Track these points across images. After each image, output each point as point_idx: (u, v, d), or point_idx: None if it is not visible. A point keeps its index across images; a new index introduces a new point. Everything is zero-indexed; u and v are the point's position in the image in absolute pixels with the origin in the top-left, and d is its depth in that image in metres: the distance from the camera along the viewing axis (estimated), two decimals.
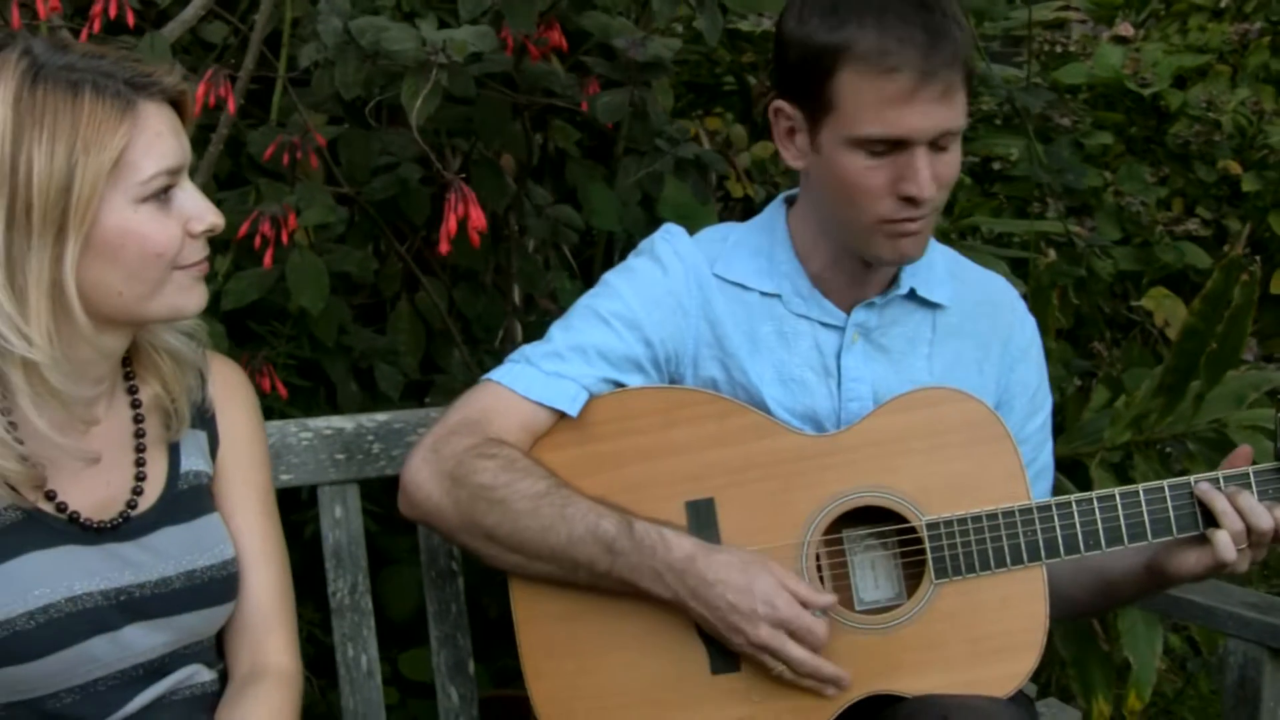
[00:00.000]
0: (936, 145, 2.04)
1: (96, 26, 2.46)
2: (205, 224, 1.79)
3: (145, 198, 1.74)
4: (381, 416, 2.44)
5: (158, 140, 1.74)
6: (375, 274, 3.12)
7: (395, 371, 3.01)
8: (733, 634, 2.01)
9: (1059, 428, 3.81)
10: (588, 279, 3.63)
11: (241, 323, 2.90)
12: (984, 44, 5.47)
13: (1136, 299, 5.04)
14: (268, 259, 2.51)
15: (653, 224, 3.49)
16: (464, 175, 2.41)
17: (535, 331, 3.41)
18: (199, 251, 1.81)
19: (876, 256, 2.13)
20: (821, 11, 2.02)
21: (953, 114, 2.03)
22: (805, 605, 2.01)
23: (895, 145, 2.02)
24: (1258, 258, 5.02)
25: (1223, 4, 5.64)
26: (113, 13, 2.47)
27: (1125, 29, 5.61)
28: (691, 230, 2.34)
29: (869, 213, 2.07)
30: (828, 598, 2.04)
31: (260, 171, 2.82)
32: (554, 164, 3.48)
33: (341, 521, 2.39)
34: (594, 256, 3.86)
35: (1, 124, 1.67)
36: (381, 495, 2.75)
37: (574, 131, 3.40)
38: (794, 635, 2.00)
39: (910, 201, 2.04)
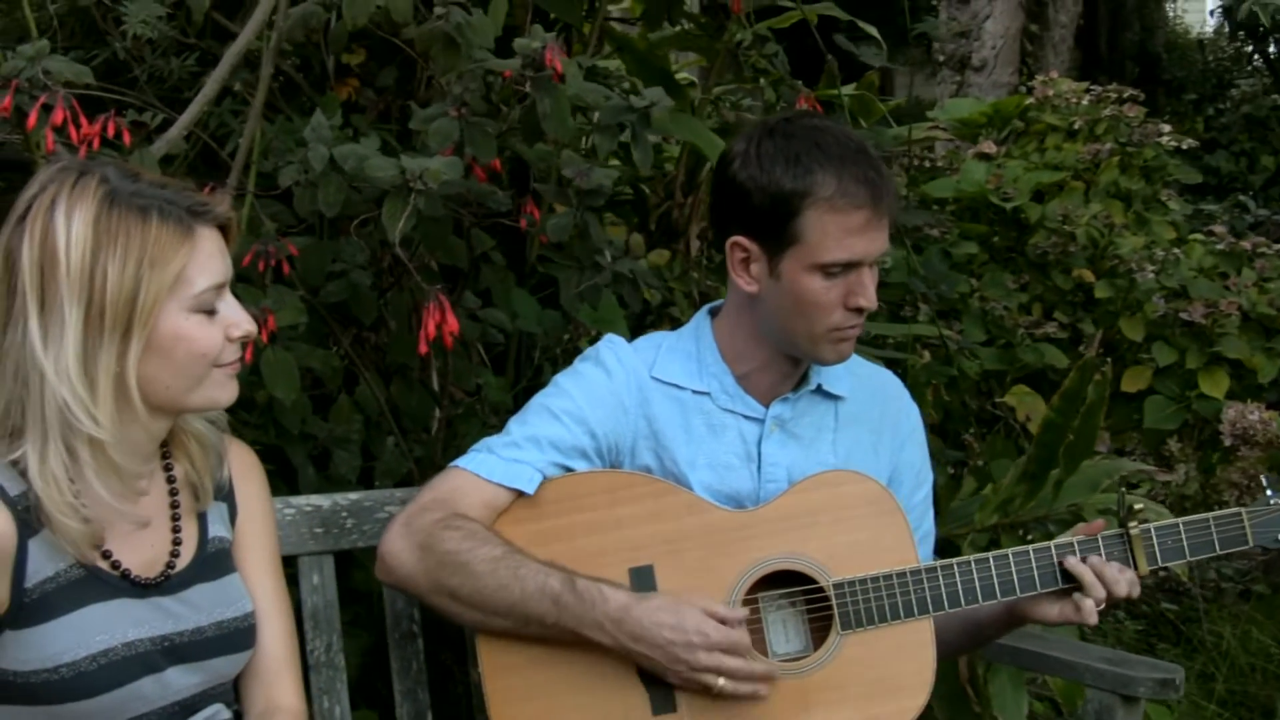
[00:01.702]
0: (872, 265, 2.45)
1: (96, 144, 2.72)
2: (241, 330, 2.10)
3: (196, 309, 2.04)
4: (353, 496, 2.73)
5: (209, 261, 2.04)
6: (330, 369, 3.41)
7: (352, 456, 3.31)
8: (675, 665, 2.33)
9: (936, 511, 4.16)
10: (501, 373, 3.95)
11: None
12: None
13: (1000, 395, 5.30)
14: (249, 354, 2.80)
15: (568, 326, 3.86)
16: (434, 285, 2.74)
17: (463, 422, 3.73)
18: (234, 353, 2.11)
19: (821, 359, 2.53)
20: (784, 163, 2.42)
21: (885, 239, 2.46)
22: (725, 623, 2.35)
23: (847, 267, 2.42)
24: (1109, 359, 5.33)
25: (1076, 125, 5.92)
26: (110, 133, 2.74)
27: (988, 147, 5.91)
28: (606, 331, 2.71)
29: (822, 324, 2.46)
30: (741, 612, 2.38)
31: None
32: (471, 272, 3.78)
33: (319, 588, 2.65)
34: (507, 352, 4.17)
35: (82, 240, 1.95)
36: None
37: (489, 239, 3.72)
38: (725, 651, 2.33)
39: (858, 311, 2.45)
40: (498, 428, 2.60)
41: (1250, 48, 13.54)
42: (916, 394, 4.09)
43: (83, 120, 2.56)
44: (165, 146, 2.94)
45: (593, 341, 3.03)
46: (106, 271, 1.97)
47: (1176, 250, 5.64)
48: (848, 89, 4.87)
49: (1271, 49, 12.97)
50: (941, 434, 5.02)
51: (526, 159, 3.10)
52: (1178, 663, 4.76)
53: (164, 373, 2.04)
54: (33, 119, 2.50)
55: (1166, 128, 5.93)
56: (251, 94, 3.32)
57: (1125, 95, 5.98)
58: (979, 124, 6.27)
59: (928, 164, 5.74)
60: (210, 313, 2.07)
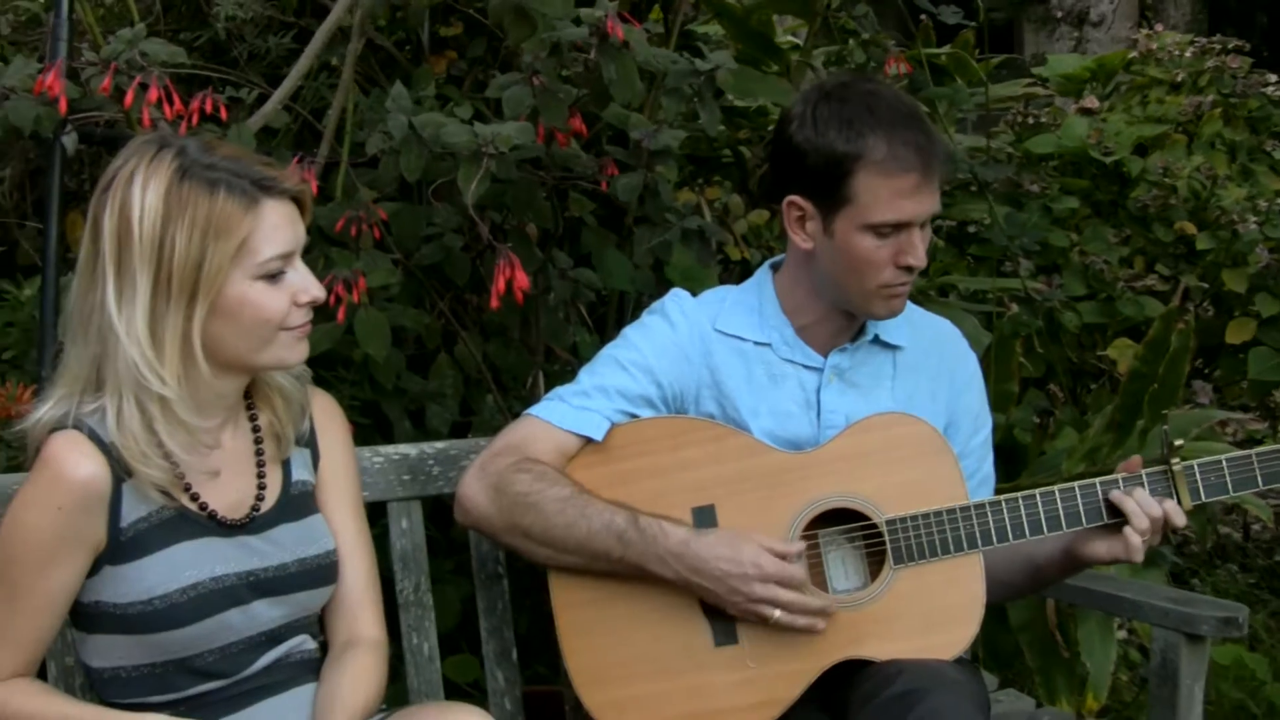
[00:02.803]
0: (923, 225, 2.55)
1: (195, 120, 2.87)
2: (309, 296, 2.24)
3: (260, 275, 2.18)
4: (440, 445, 2.90)
5: (274, 231, 2.18)
6: (424, 328, 3.58)
7: (444, 411, 3.47)
8: (733, 596, 2.46)
9: (1024, 460, 4.23)
10: (602, 333, 4.07)
11: (313, 370, 3.37)
12: (962, 117, 5.86)
13: (1102, 349, 5.33)
14: (340, 315, 2.96)
15: (661, 284, 3.96)
16: (509, 244, 2.89)
17: (557, 379, 3.84)
18: (303, 316, 2.25)
19: (873, 314, 2.66)
20: (838, 126, 2.54)
21: (937, 201, 2.58)
22: (782, 557, 2.48)
23: (897, 227, 2.53)
24: (1192, 308, 5.36)
25: (1179, 79, 5.89)
26: (209, 109, 2.89)
27: (1090, 102, 5.89)
28: (696, 289, 2.84)
29: (873, 280, 2.58)
30: (799, 545, 2.51)
31: (327, 241, 3.27)
32: (572, 233, 3.92)
33: (407, 531, 2.82)
34: (607, 313, 4.29)
35: (153, 211, 2.11)
36: (430, 521, 3.20)
37: (588, 203, 3.82)
38: (780, 584, 2.46)
39: (908, 270, 2.56)
40: None
41: None
42: (1005, 345, 4.19)
43: (175, 98, 2.72)
44: (261, 120, 3.12)
45: None
46: (175, 241, 2.12)
47: None
48: (945, 49, 4.94)
49: None
50: (1042, 387, 5.09)
51: (613, 123, 3.21)
52: None
53: (231, 335, 2.19)
54: (129, 98, 2.67)
55: (1273, 78, 5.87)
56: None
57: (1230, 46, 5.94)
58: (1083, 79, 6.26)
59: (1030, 120, 5.73)
60: (276, 280, 2.21)
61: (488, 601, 2.91)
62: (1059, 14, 9.54)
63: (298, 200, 2.25)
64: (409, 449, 2.87)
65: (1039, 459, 4.18)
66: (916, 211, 2.56)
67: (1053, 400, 4.91)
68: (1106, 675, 3.86)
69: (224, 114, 2.94)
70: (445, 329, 3.77)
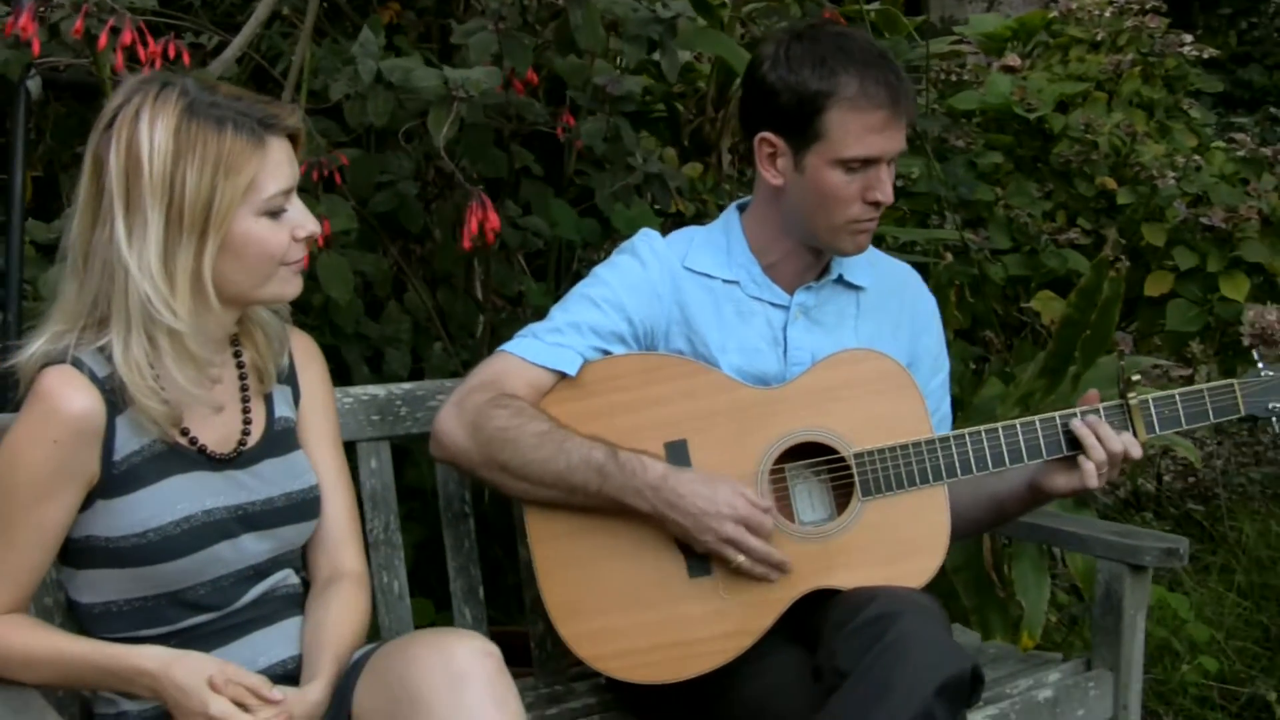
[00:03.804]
0: (890, 162, 2.63)
1: (159, 64, 2.87)
2: (306, 231, 2.27)
3: (265, 212, 2.21)
4: (407, 386, 2.94)
5: (278, 168, 2.22)
6: (381, 274, 3.60)
7: (402, 355, 3.51)
8: (704, 533, 2.53)
9: (958, 408, 4.33)
10: (542, 282, 4.14)
11: None
12: None
13: (1026, 301, 5.43)
14: (305, 260, 2.99)
15: (605, 233, 4.04)
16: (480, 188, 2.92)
17: (505, 327, 3.92)
18: (299, 252, 2.28)
19: (840, 249, 2.73)
20: (811, 64, 2.61)
21: (904, 139, 2.65)
22: (754, 504, 2.54)
23: (866, 163, 2.61)
24: (1124, 259, 5.48)
25: (1099, 38, 5.98)
26: (171, 54, 2.88)
27: (1013, 60, 6.00)
28: None
29: (841, 215, 2.66)
30: (769, 501, 2.58)
31: None
32: (512, 183, 3.97)
33: (376, 471, 2.86)
34: (546, 263, 4.35)
35: (164, 149, 2.13)
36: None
37: (527, 154, 3.88)
38: (750, 529, 2.53)
39: (875, 205, 2.64)
40: None
41: None
42: (940, 294, 4.27)
43: (150, 41, 2.73)
44: (221, 67, 3.13)
45: None
46: (186, 178, 2.14)
47: (1198, 158, 5.72)
48: (874, 5, 5.03)
49: None
50: (969, 338, 5.18)
51: (560, 73, 3.26)
52: (1200, 557, 4.97)
53: (236, 270, 2.22)
54: (103, 39, 2.68)
55: (1189, 38, 6.00)
56: (298, 18, 3.51)
57: (1148, 6, 6.06)
58: (1004, 38, 6.37)
59: (954, 78, 5.83)
60: (277, 216, 2.24)
61: (455, 539, 2.96)
62: None
63: (292, 139, 2.27)
64: (378, 390, 2.90)
65: (971, 407, 4.27)
66: (885, 147, 2.64)
67: (989, 348, 5.01)
68: (1041, 613, 3.96)
69: (186, 59, 2.94)
70: (396, 276, 3.81)
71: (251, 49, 3.38)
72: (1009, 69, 5.93)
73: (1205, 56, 6.00)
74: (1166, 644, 4.43)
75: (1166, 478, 6.15)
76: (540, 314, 3.85)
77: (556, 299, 3.96)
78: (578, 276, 4.13)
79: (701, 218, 4.30)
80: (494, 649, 2.18)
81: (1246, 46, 11.32)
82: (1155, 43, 5.91)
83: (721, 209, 4.30)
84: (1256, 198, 5.58)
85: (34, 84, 2.91)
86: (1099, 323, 4.02)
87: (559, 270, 4.29)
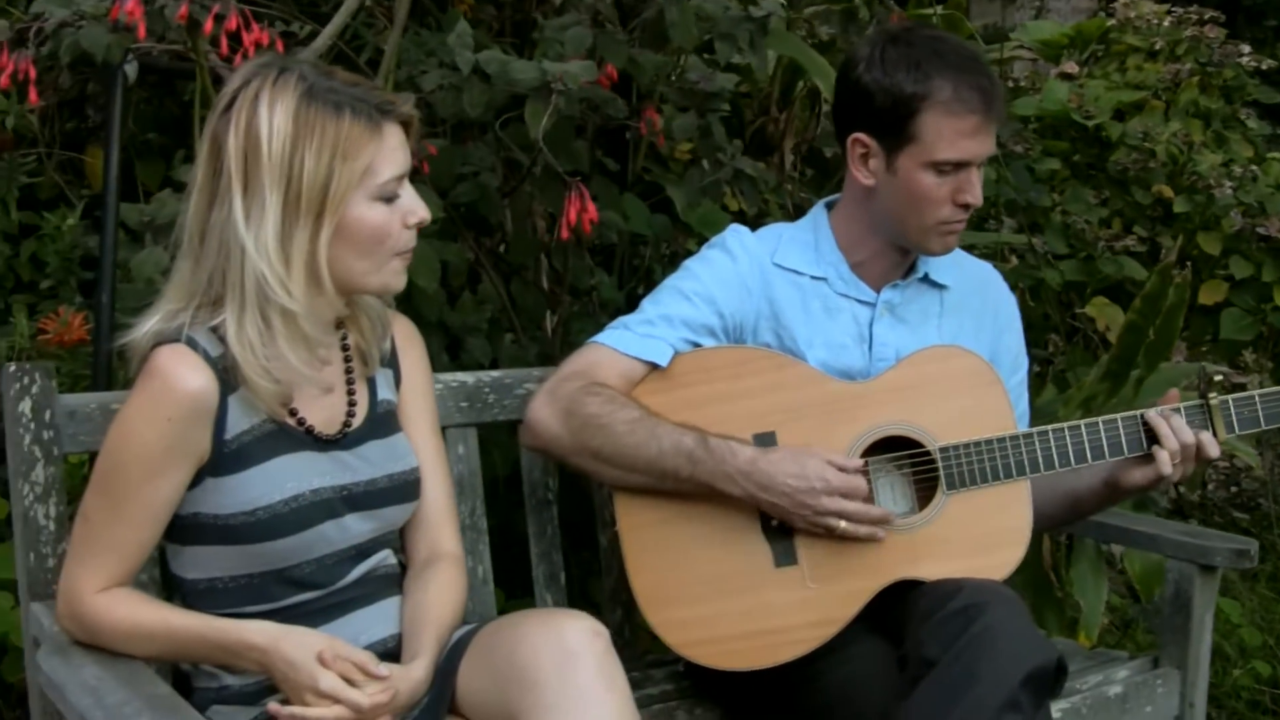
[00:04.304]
0: (979, 165, 2.68)
1: (250, 54, 2.92)
2: (417, 217, 2.31)
3: (379, 197, 2.25)
4: (496, 373, 2.98)
5: (393, 154, 2.26)
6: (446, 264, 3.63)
7: (483, 344, 3.56)
8: (800, 510, 2.57)
9: None
10: (609, 275, 4.18)
11: None
12: None
13: (1080, 307, 5.46)
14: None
15: (677, 229, 4.09)
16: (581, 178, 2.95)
17: (577, 320, 3.97)
18: (409, 240, 2.32)
19: (929, 250, 2.78)
20: (906, 67, 2.66)
21: (994, 143, 2.71)
22: (843, 470, 2.60)
23: (958, 166, 2.66)
24: (1187, 269, 5.50)
25: (1157, 47, 6.02)
26: (265, 42, 2.91)
27: (1070, 67, 6.03)
28: (712, 235, 2.95)
29: (932, 217, 2.71)
30: (858, 461, 2.63)
31: None
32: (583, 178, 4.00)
33: (464, 457, 2.90)
34: (612, 259, 4.39)
35: (283, 131, 2.17)
36: None
37: (596, 149, 3.92)
38: (844, 495, 2.58)
39: (964, 208, 2.69)
40: (609, 324, 2.83)
41: None
42: None
43: (255, 27, 2.78)
44: (312, 56, 3.18)
45: (699, 244, 3.27)
46: (304, 161, 2.18)
47: (1254, 167, 5.75)
48: (937, 10, 5.06)
49: None
50: (1026, 342, 5.20)
51: (636, 71, 3.30)
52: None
53: (349, 254, 2.26)
54: (208, 25, 2.73)
55: (1246, 48, 6.02)
56: (381, 8, 3.57)
57: (1206, 17, 6.08)
58: (1061, 45, 6.40)
59: (1011, 83, 5.85)
60: (390, 202, 2.28)
61: (538, 526, 3.01)
62: None
63: (405, 125, 2.31)
64: (466, 377, 2.95)
65: (1033, 408, 4.30)
66: (977, 151, 2.68)
67: (1055, 351, 5.05)
68: (1099, 614, 4.00)
69: (280, 47, 2.99)
70: (469, 267, 3.85)
71: (339, 39, 3.43)
72: (1067, 76, 5.97)
73: (1262, 67, 6.03)
74: (1219, 648, 4.46)
75: (1210, 486, 6.18)
76: (611, 308, 3.95)
77: (625, 294, 4.06)
78: (647, 271, 4.21)
79: (764, 217, 4.34)
80: (603, 629, 2.22)
81: None
82: (1213, 53, 5.93)
83: (783, 209, 4.39)
84: None
85: (131, 68, 2.96)
86: (1162, 328, 4.04)
87: (623, 266, 4.34)
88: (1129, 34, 6.18)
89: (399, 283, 2.35)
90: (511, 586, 3.30)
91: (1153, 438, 2.72)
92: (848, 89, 2.76)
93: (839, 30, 4.35)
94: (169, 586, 2.45)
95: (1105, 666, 3.08)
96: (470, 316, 3.58)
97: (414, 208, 2.31)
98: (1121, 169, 5.65)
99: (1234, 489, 5.88)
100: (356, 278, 2.29)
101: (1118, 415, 2.74)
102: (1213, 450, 2.71)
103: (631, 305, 2.88)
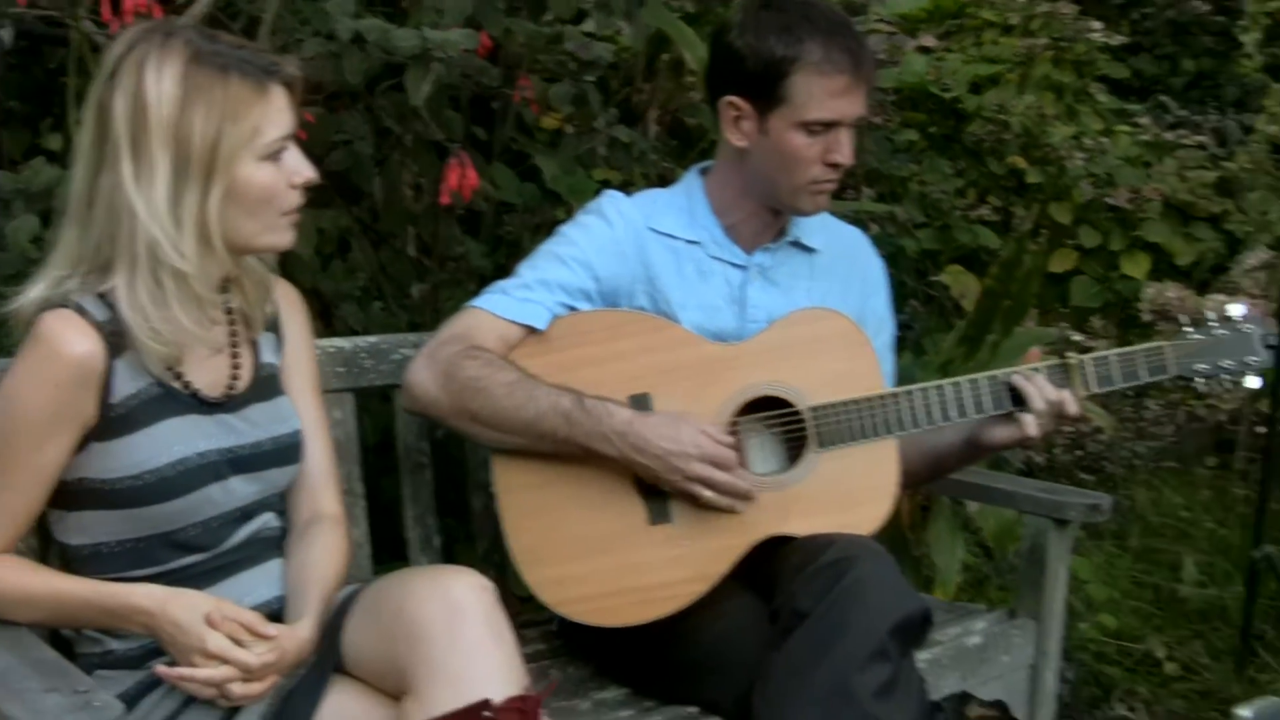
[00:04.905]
0: (849, 126, 2.75)
1: (129, 20, 2.88)
2: (304, 177, 2.33)
3: (266, 157, 2.27)
4: (372, 338, 3.01)
5: (279, 115, 2.27)
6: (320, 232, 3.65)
7: (357, 310, 3.59)
8: (671, 473, 2.64)
9: None
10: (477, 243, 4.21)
11: None
12: None
13: (936, 275, 5.59)
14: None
15: (544, 197, 4.13)
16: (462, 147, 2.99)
17: (446, 287, 4.00)
18: (296, 199, 2.34)
19: (800, 210, 2.85)
20: (777, 31, 2.72)
21: (864, 104, 2.78)
22: (717, 440, 2.65)
23: (828, 126, 2.73)
24: (1041, 238, 5.66)
25: (1012, 22, 6.17)
26: (143, 7, 2.91)
27: (928, 41, 6.17)
28: (580, 202, 3.04)
29: (803, 176, 2.78)
30: (729, 438, 2.69)
31: None
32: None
33: (340, 422, 2.91)
34: (480, 225, 4.42)
35: (171, 95, 2.17)
36: None
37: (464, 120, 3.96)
38: (715, 464, 2.65)
39: (834, 167, 2.76)
40: (478, 292, 2.87)
41: None
42: None
43: None
44: (191, 21, 3.18)
45: (567, 213, 3.33)
46: (193, 123, 2.19)
47: (1104, 140, 5.93)
48: None
49: None
50: None
51: (508, 40, 3.33)
52: (1095, 523, 5.15)
53: (238, 215, 2.27)
54: None
55: (1098, 24, 6.20)
56: None
57: None
58: (919, 19, 6.53)
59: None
60: (277, 162, 2.30)
61: (413, 489, 3.04)
62: None
63: (289, 87, 2.33)
64: (343, 342, 2.98)
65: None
66: (847, 111, 2.76)
67: (912, 317, 5.16)
68: (954, 571, 4.15)
69: (158, 13, 2.98)
70: (340, 235, 3.87)
71: (216, 6, 3.43)
72: (925, 49, 6.10)
73: (1111, 43, 6.20)
74: (1068, 603, 4.59)
75: (1056, 450, 6.36)
76: (479, 275, 3.98)
77: (493, 262, 4.10)
78: (513, 241, 4.25)
79: (628, 186, 4.40)
80: (489, 584, 2.26)
81: (1138, 36, 11.54)
82: (1066, 29, 6.09)
83: (647, 178, 4.45)
84: (1158, 180, 5.78)
85: (6, 33, 2.94)
86: (1018, 295, 4.18)
87: (491, 234, 4.37)
88: (985, 9, 6.33)
89: (287, 240, 2.37)
90: (382, 552, 3.32)
91: (1016, 397, 2.82)
92: (721, 53, 2.83)
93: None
94: (50, 553, 2.45)
95: (964, 619, 3.18)
96: (343, 283, 3.60)
97: (300, 168, 2.33)
98: (977, 140, 5.81)
99: (1080, 452, 6.04)
100: (246, 237, 2.31)
101: (983, 375, 2.84)
102: (1073, 408, 2.82)
103: (500, 273, 2.92)
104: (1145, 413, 5.98)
